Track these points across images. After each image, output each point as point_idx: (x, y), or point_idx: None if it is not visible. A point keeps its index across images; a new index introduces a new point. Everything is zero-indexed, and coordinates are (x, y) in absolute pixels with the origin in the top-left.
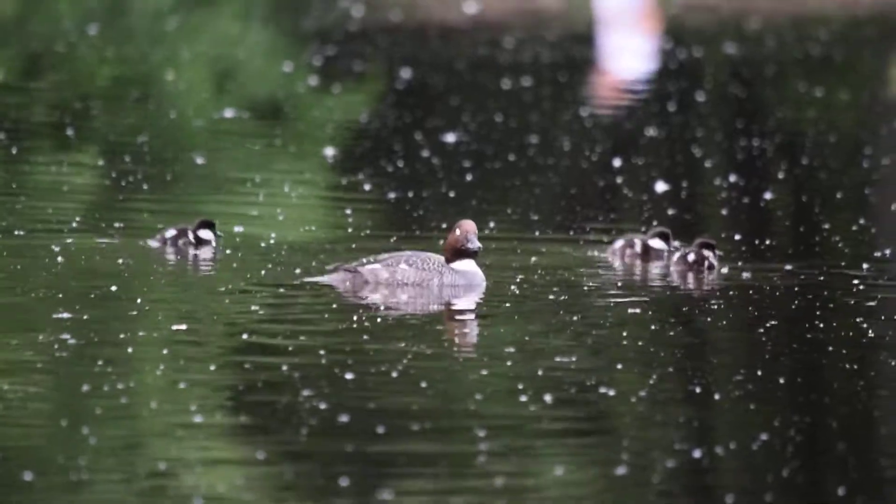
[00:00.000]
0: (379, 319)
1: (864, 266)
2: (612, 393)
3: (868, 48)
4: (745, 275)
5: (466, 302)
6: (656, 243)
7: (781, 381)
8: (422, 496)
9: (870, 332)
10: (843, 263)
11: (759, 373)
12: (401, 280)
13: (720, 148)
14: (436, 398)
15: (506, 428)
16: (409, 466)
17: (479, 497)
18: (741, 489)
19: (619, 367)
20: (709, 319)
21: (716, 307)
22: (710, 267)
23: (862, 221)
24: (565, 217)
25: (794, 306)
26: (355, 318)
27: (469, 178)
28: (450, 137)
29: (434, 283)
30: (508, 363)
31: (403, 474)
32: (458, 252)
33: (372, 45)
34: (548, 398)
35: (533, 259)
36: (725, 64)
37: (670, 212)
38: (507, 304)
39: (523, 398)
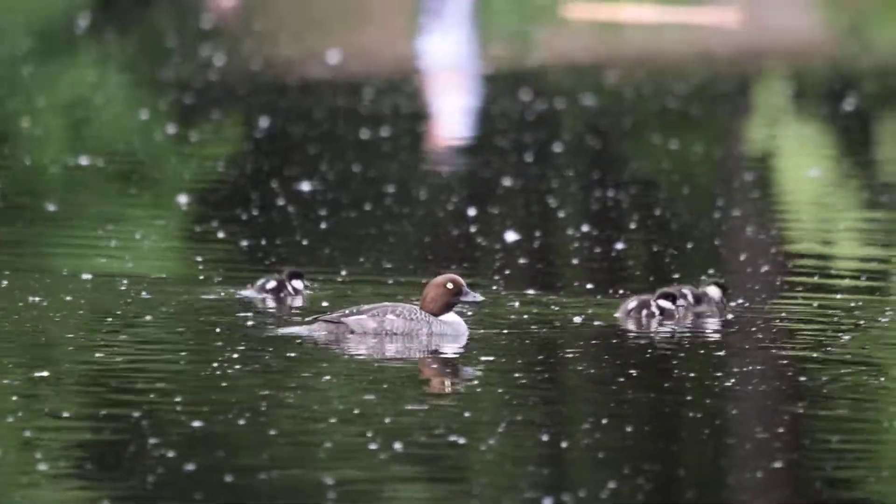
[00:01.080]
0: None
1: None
2: (461, 441)
3: (724, 103)
4: (597, 322)
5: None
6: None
7: (629, 429)
8: None
9: (718, 381)
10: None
11: (605, 421)
12: (389, 330)
13: (575, 198)
14: (286, 448)
15: (356, 481)
16: None
17: None
18: None
19: (467, 415)
20: (566, 367)
21: (571, 355)
22: (655, 314)
23: (711, 271)
24: (417, 265)
25: (647, 355)
26: (216, 365)
27: (323, 226)
28: (305, 186)
29: (423, 332)
30: (356, 411)
31: None
32: (448, 305)
33: (231, 94)
34: (398, 446)
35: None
36: (583, 116)
37: (521, 261)
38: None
39: (373, 446)
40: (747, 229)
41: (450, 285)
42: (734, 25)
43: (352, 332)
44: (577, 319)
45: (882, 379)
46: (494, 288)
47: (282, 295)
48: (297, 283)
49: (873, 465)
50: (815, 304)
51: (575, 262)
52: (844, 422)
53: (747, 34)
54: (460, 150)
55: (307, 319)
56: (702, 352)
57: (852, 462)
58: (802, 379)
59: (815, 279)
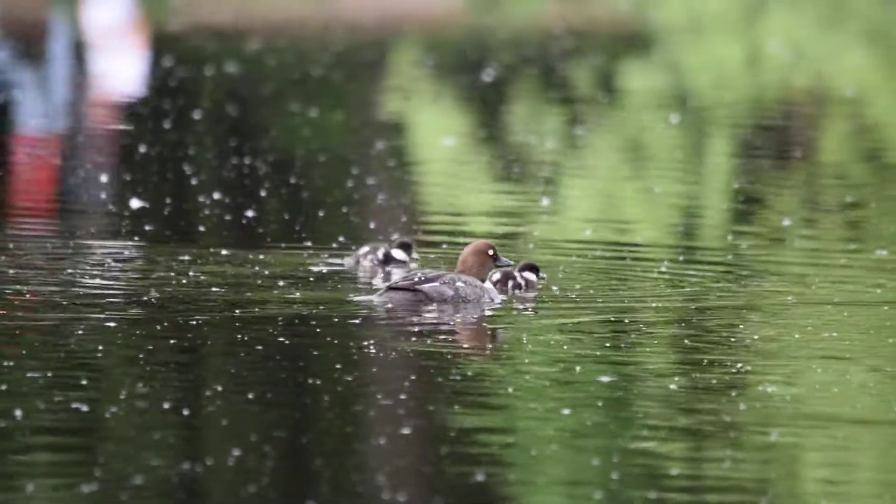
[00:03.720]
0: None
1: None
2: (85, 409)
3: (363, 72)
4: (249, 294)
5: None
6: (398, 254)
7: (270, 396)
8: None
9: (349, 352)
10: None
11: (230, 392)
12: (463, 297)
13: (210, 166)
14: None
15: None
16: None
17: None
18: None
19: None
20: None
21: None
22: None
23: (342, 239)
24: (45, 229)
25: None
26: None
27: None
28: None
29: (485, 299)
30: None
31: None
32: (488, 271)
33: None
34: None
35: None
36: (224, 83)
37: (148, 227)
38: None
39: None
40: (380, 197)
41: (490, 252)
42: None
43: (430, 299)
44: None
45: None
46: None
47: (371, 260)
48: (398, 253)
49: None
50: (444, 269)
51: (202, 228)
52: (465, 390)
53: (387, 4)
54: (116, 112)
55: (376, 288)
56: (336, 320)
57: (480, 422)
58: (429, 341)
59: (443, 248)
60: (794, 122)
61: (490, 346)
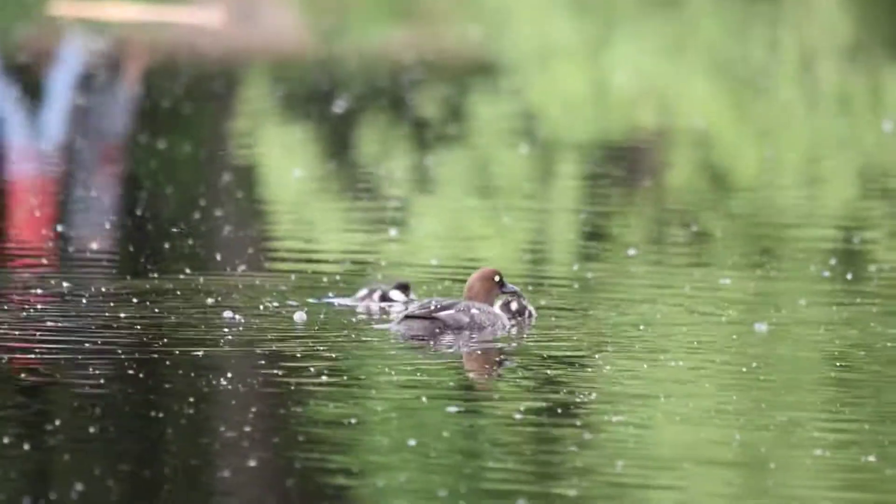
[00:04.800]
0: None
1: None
2: None
3: (212, 103)
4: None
5: None
6: (396, 294)
7: (112, 430)
8: None
9: (201, 385)
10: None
11: (74, 421)
12: (479, 324)
13: (56, 198)
14: None
15: None
16: None
17: None
18: None
19: None
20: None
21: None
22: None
23: (188, 271)
24: None
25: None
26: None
27: None
28: None
29: (498, 325)
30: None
31: None
32: (494, 297)
33: None
34: None
35: None
36: (72, 114)
37: None
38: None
39: None
40: (226, 228)
41: (496, 278)
42: (217, 25)
43: (447, 326)
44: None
45: (344, 378)
46: None
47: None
48: (396, 294)
49: (351, 454)
50: (295, 301)
51: (44, 261)
52: (318, 416)
53: (236, 35)
54: None
55: (394, 317)
56: (180, 350)
57: (326, 454)
58: (279, 374)
59: (293, 278)
60: (641, 152)
61: (338, 377)
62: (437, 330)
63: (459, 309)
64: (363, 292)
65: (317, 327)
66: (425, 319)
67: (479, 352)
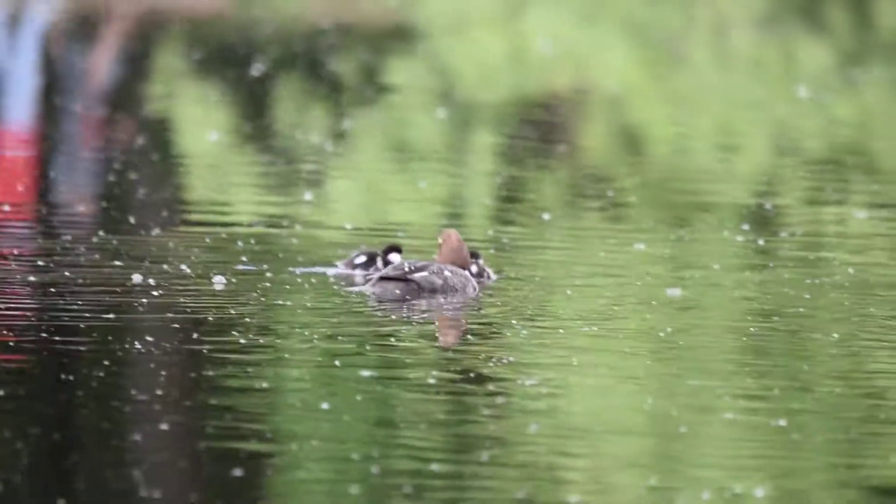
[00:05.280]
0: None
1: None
2: None
3: (129, 65)
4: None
5: None
6: (394, 257)
7: (22, 393)
8: None
9: (113, 352)
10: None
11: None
12: (452, 286)
13: None
14: None
15: None
16: None
17: None
18: None
19: None
20: None
21: None
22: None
23: (101, 233)
24: None
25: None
26: None
27: None
28: None
29: (469, 288)
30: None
31: None
32: (463, 259)
33: None
34: None
35: None
36: None
37: None
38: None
39: None
40: (140, 191)
41: (456, 240)
42: None
43: (421, 288)
44: None
45: (256, 336)
46: None
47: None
48: (394, 257)
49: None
50: (213, 271)
51: None
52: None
53: None
54: None
55: (368, 278)
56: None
57: (239, 419)
58: (194, 338)
59: (207, 241)
60: (558, 118)
61: (253, 339)
62: (412, 291)
63: (433, 271)
64: (360, 259)
65: (235, 293)
66: (400, 281)
67: (393, 318)
